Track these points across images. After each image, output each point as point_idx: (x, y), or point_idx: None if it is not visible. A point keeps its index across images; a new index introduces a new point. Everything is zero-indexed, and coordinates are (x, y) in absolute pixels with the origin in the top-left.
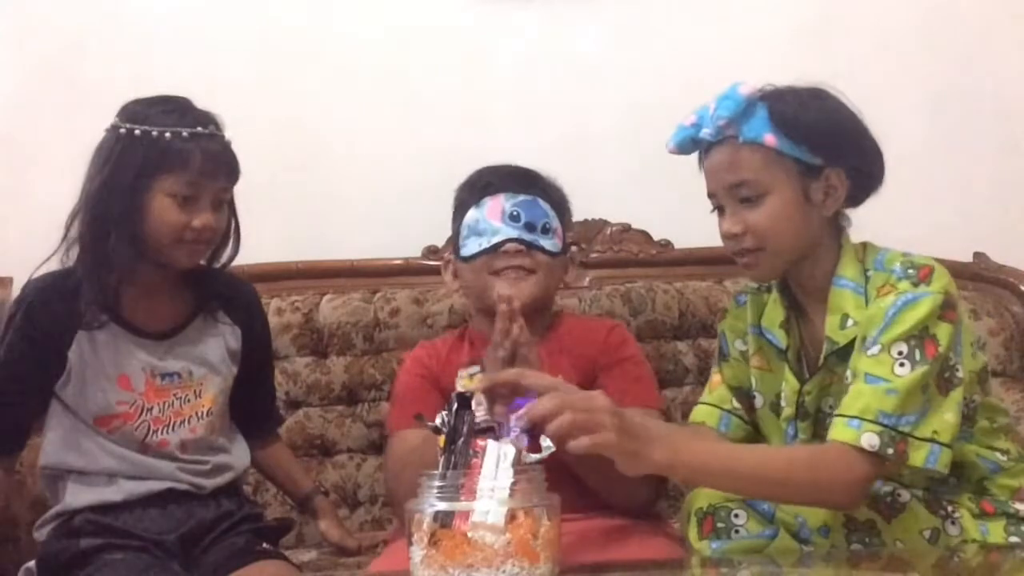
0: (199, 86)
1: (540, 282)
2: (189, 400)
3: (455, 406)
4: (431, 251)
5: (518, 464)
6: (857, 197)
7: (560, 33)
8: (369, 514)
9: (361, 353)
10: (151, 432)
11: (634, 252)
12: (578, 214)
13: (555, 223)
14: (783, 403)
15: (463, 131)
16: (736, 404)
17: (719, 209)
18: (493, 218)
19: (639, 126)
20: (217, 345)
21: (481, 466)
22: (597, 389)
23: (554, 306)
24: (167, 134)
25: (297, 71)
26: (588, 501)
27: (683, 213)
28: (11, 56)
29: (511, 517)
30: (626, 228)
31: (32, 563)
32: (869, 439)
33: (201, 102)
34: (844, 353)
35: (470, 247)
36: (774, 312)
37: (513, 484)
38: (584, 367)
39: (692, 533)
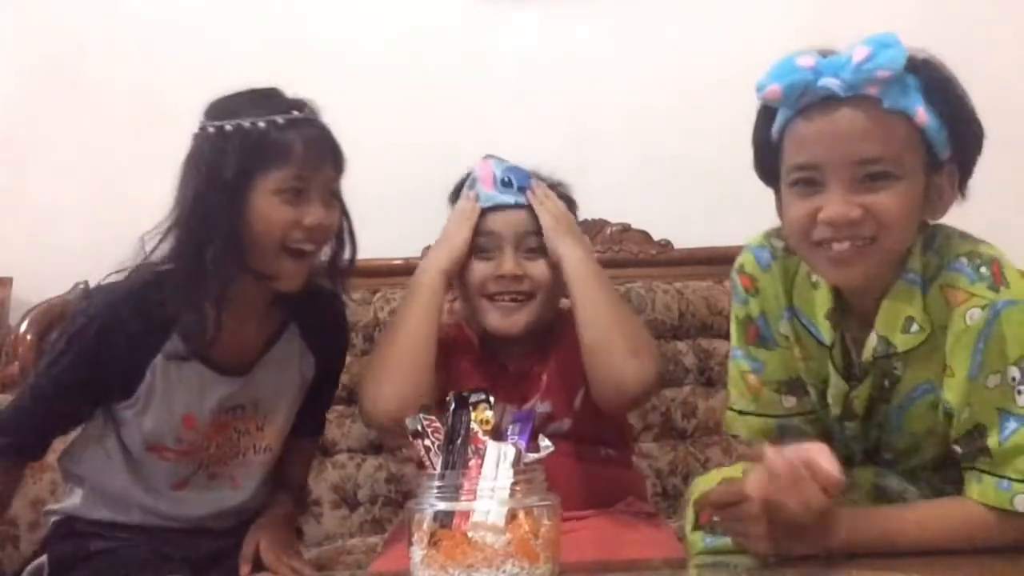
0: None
1: (538, 306)
2: (249, 432)
3: (453, 406)
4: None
5: (518, 464)
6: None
7: (560, 33)
8: (369, 514)
9: (361, 353)
10: (203, 467)
11: (634, 252)
12: (578, 214)
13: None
14: (829, 400)
15: (463, 131)
16: (789, 404)
17: (806, 188)
18: (485, 185)
19: (639, 126)
20: (291, 379)
21: (481, 466)
22: None
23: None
24: (261, 124)
25: (297, 71)
26: (588, 500)
27: (683, 213)
28: (11, 56)
29: (511, 517)
30: (626, 228)
31: (43, 560)
32: (1022, 502)
33: (200, 103)
34: (897, 356)
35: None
36: (817, 297)
37: (513, 484)
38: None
39: (688, 524)
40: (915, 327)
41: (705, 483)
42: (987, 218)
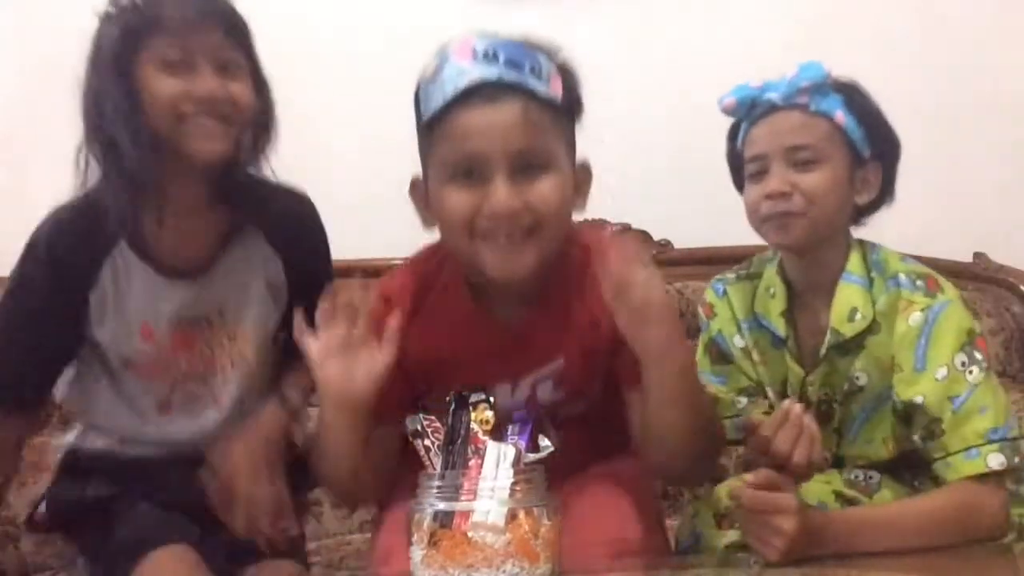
0: None
1: (547, 241)
2: (222, 345)
3: (453, 406)
4: None
5: (518, 464)
6: (870, 206)
7: (560, 33)
8: (369, 514)
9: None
10: (177, 388)
11: None
12: (578, 214)
13: (553, 74)
14: (789, 391)
15: None
16: (741, 405)
17: (756, 176)
18: (461, 58)
19: (639, 126)
20: (256, 284)
21: (481, 466)
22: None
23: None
24: (134, 3)
25: (296, 71)
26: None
27: (683, 213)
28: (11, 56)
29: (511, 517)
30: (626, 228)
31: (42, 506)
32: (995, 459)
33: None
34: (845, 346)
35: (430, 106)
36: (773, 302)
37: (513, 484)
38: (600, 332)
39: (709, 530)
40: (858, 316)
41: (713, 500)
42: (987, 218)
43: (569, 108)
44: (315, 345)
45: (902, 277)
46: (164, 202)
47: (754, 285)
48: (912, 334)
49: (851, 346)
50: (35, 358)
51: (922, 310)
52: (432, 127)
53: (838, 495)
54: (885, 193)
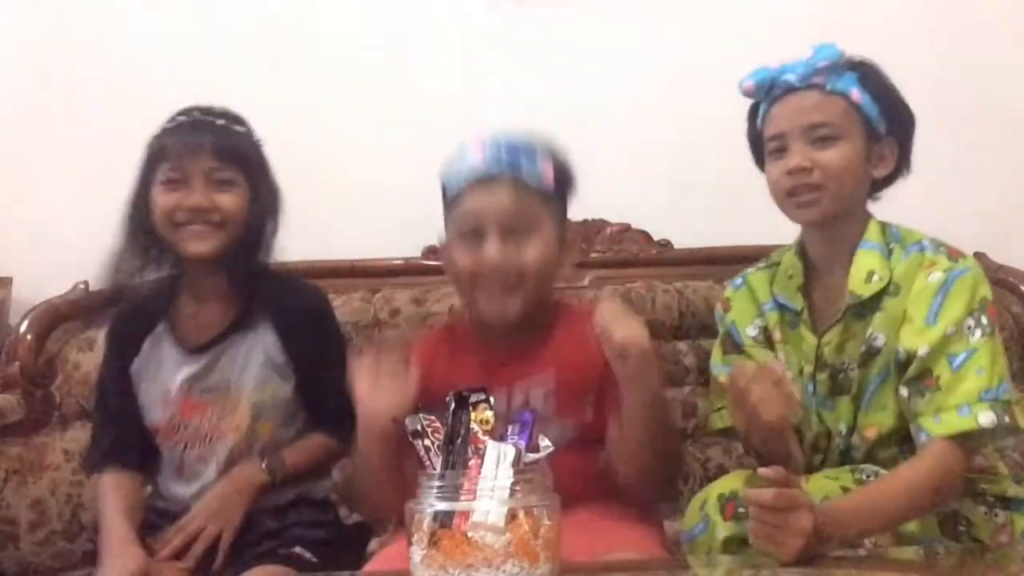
0: (198, 87)
1: (531, 291)
2: (225, 417)
3: (453, 406)
4: (431, 251)
5: (518, 464)
6: (887, 179)
7: (560, 33)
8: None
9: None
10: (187, 449)
11: (634, 252)
12: (578, 214)
13: (545, 163)
14: (803, 364)
15: (463, 131)
16: None
17: (777, 153)
18: (474, 154)
19: (639, 126)
20: (255, 358)
21: (481, 466)
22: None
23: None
24: (155, 134)
25: (296, 72)
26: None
27: (683, 213)
28: (11, 56)
29: (511, 517)
30: (626, 228)
31: None
32: (985, 417)
33: (200, 103)
34: (862, 309)
35: (450, 190)
36: (790, 280)
37: (513, 484)
38: (588, 364)
39: (716, 516)
40: (875, 277)
41: (721, 484)
42: (987, 218)
43: (559, 188)
44: (359, 381)
45: (926, 242)
46: (186, 288)
47: (773, 272)
48: (929, 290)
49: (867, 309)
50: (122, 426)
51: (943, 271)
52: (450, 205)
53: (846, 491)
54: (901, 166)
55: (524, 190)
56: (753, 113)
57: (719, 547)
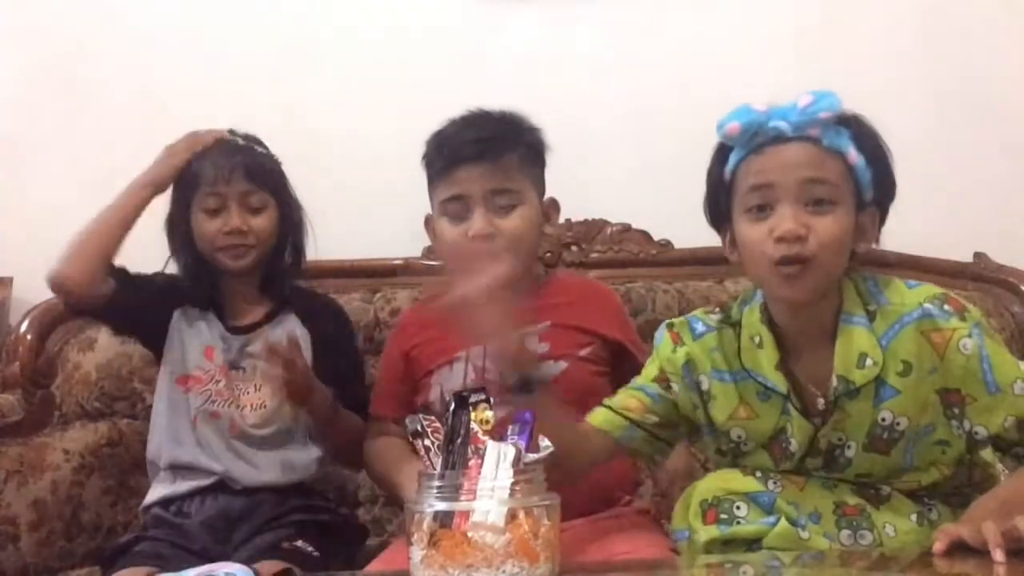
0: (198, 87)
1: (515, 258)
2: (249, 392)
3: (453, 407)
4: (431, 251)
5: (518, 464)
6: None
7: (560, 33)
8: (369, 514)
9: (361, 353)
10: (210, 400)
11: (634, 252)
12: (578, 214)
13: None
14: (791, 446)
15: None
16: (653, 422)
17: (759, 211)
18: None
19: (639, 126)
20: (281, 341)
21: (481, 466)
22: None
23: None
24: (193, 162)
25: (296, 71)
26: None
27: (683, 213)
28: (11, 56)
29: (511, 517)
30: (626, 228)
31: None
32: None
33: (199, 103)
34: (854, 393)
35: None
36: (764, 355)
37: (513, 484)
38: (584, 312)
39: (696, 522)
40: (869, 361)
41: (704, 486)
42: (987, 218)
43: (535, 156)
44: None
45: (927, 306)
46: (222, 290)
47: (737, 334)
48: (974, 362)
49: (860, 390)
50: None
51: (967, 335)
52: (434, 181)
53: (838, 505)
54: (876, 240)
55: (505, 159)
56: (722, 158)
57: (701, 549)
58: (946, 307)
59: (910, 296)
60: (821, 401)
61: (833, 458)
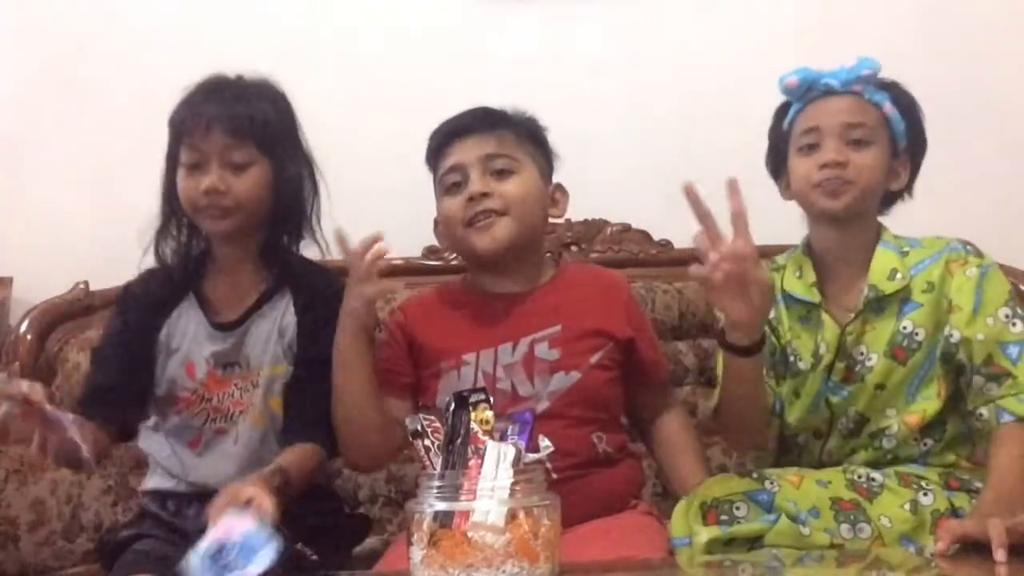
0: None
1: (514, 222)
2: (248, 391)
3: (453, 406)
4: (431, 251)
5: (518, 464)
6: (893, 197)
7: (560, 33)
8: (369, 514)
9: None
10: (208, 422)
11: (634, 252)
12: (578, 214)
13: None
14: (822, 351)
15: None
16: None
17: (808, 148)
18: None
19: (639, 126)
20: (274, 335)
21: (481, 466)
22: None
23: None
24: (175, 110)
25: (296, 71)
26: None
27: (683, 213)
28: (11, 56)
29: (511, 517)
30: (626, 228)
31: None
32: None
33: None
34: (880, 304)
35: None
36: (800, 278)
37: (513, 484)
38: (596, 310)
39: (697, 524)
40: (898, 276)
41: (703, 491)
42: (987, 218)
43: (534, 138)
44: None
45: (955, 244)
46: (215, 263)
47: (781, 274)
48: (971, 283)
49: (885, 304)
50: (122, 382)
51: (977, 266)
52: (435, 166)
53: (834, 501)
54: (909, 186)
55: (501, 130)
56: (782, 112)
57: (702, 549)
58: (969, 247)
59: (940, 241)
60: (851, 315)
61: (855, 367)
